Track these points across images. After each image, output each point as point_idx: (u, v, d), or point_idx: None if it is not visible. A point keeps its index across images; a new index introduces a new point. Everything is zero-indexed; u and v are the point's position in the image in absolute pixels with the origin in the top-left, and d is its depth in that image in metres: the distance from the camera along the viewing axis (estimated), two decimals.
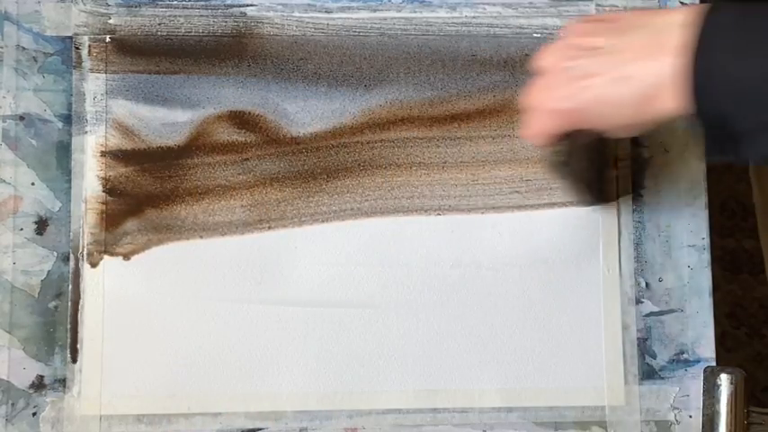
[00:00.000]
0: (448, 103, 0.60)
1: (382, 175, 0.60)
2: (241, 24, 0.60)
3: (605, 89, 0.43)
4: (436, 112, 0.60)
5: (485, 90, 0.61)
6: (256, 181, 0.59)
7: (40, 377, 0.57)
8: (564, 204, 0.60)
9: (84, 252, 0.58)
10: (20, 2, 0.59)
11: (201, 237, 0.59)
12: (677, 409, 0.59)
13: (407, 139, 0.60)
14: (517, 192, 0.60)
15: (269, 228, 0.59)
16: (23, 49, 0.59)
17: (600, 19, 0.49)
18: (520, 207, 0.60)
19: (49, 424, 0.57)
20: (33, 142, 0.59)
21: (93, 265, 0.58)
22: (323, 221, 0.59)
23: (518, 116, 0.60)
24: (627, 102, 0.43)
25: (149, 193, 0.59)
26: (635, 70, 0.42)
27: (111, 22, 0.60)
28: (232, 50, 0.60)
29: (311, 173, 0.60)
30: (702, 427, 0.56)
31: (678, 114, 0.41)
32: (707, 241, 0.60)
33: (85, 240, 0.58)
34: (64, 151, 0.59)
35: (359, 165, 0.60)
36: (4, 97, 0.59)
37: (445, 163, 0.60)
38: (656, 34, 0.42)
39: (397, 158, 0.60)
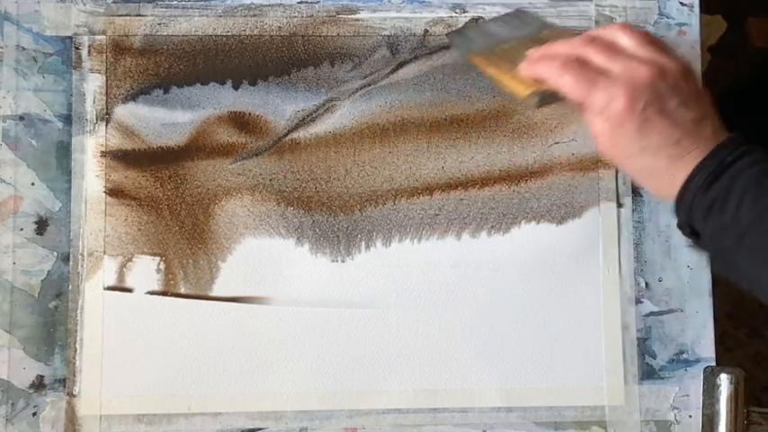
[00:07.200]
0: (447, 104, 0.60)
1: (382, 176, 0.60)
2: (241, 24, 0.60)
3: (632, 147, 0.45)
4: (436, 114, 0.60)
5: (484, 91, 0.61)
6: (256, 182, 0.59)
7: (40, 377, 0.57)
8: (564, 205, 0.60)
9: (85, 252, 0.58)
10: (20, 2, 0.59)
11: (202, 237, 0.59)
12: (677, 408, 0.59)
13: (407, 140, 0.60)
14: (517, 192, 0.60)
15: (269, 228, 0.59)
16: (23, 49, 0.59)
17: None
18: (520, 208, 0.60)
19: (49, 424, 0.57)
20: (33, 142, 0.59)
21: (94, 264, 0.58)
22: (323, 222, 0.59)
23: (517, 117, 0.60)
24: (641, 165, 0.46)
25: (149, 193, 0.59)
26: (662, 163, 0.45)
27: (110, 22, 0.60)
28: (232, 50, 0.60)
29: (311, 174, 0.60)
30: (702, 426, 0.56)
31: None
32: None
33: (85, 240, 0.58)
34: (64, 151, 0.59)
35: (358, 166, 0.60)
36: (4, 97, 0.59)
37: (445, 164, 0.60)
38: (692, 142, 0.44)
39: (397, 160, 0.60)
